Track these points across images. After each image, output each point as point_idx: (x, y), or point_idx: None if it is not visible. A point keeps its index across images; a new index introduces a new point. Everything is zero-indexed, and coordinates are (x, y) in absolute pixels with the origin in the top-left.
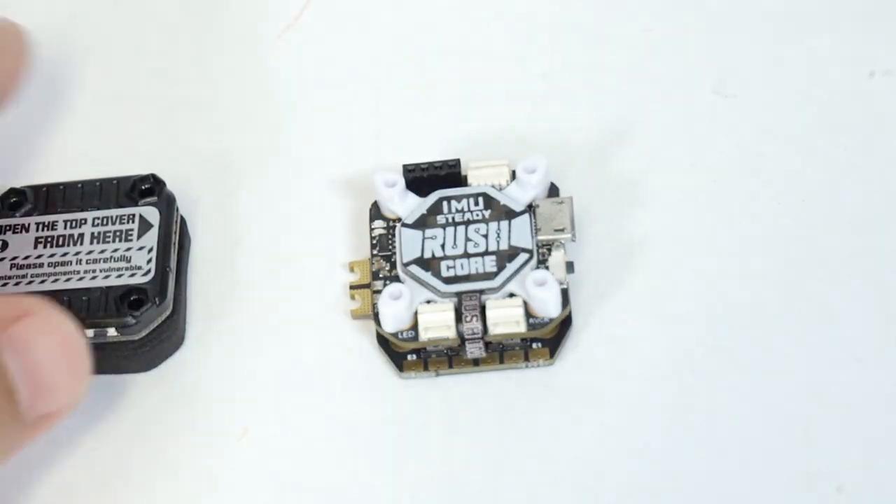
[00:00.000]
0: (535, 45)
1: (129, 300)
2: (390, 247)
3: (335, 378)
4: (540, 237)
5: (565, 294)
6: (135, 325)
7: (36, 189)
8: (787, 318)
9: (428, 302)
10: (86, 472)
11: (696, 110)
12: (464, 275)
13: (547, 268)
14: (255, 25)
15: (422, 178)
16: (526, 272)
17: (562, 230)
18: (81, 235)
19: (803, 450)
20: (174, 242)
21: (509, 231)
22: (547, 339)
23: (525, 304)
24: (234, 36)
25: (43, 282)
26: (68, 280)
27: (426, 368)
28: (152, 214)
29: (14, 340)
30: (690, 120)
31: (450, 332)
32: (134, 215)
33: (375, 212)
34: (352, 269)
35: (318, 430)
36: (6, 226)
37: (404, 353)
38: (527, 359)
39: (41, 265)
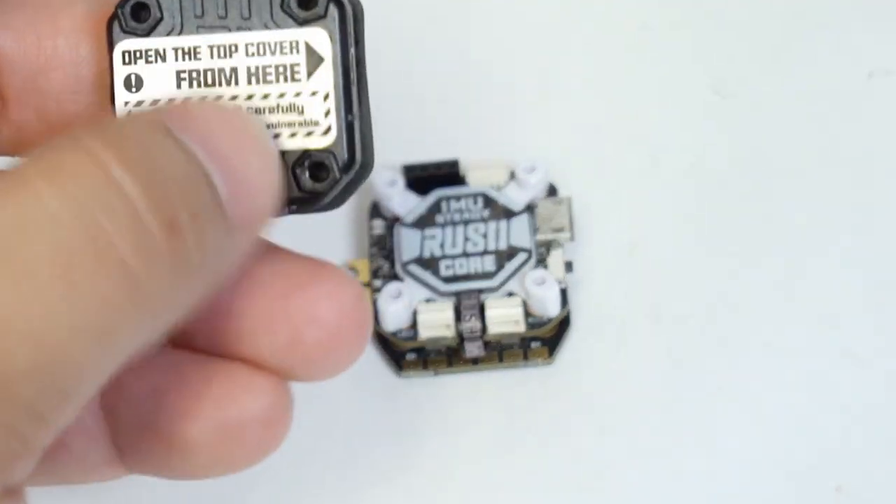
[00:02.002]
0: (534, 45)
1: (311, 170)
2: (389, 246)
3: (334, 377)
4: (539, 237)
5: (564, 293)
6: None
7: None
8: (786, 318)
9: (427, 301)
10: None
11: (696, 110)
12: (463, 274)
13: (546, 267)
14: None
15: (421, 178)
16: (525, 272)
17: (560, 230)
18: (234, 70)
19: (803, 449)
20: (354, 77)
21: (508, 231)
22: (546, 338)
23: (524, 303)
24: None
25: None
26: None
27: (425, 367)
28: (321, 40)
29: (188, 126)
30: (690, 120)
31: (449, 332)
32: (298, 42)
33: (375, 211)
34: (351, 268)
35: (317, 430)
36: (137, 51)
37: (403, 352)
38: (526, 358)
39: None
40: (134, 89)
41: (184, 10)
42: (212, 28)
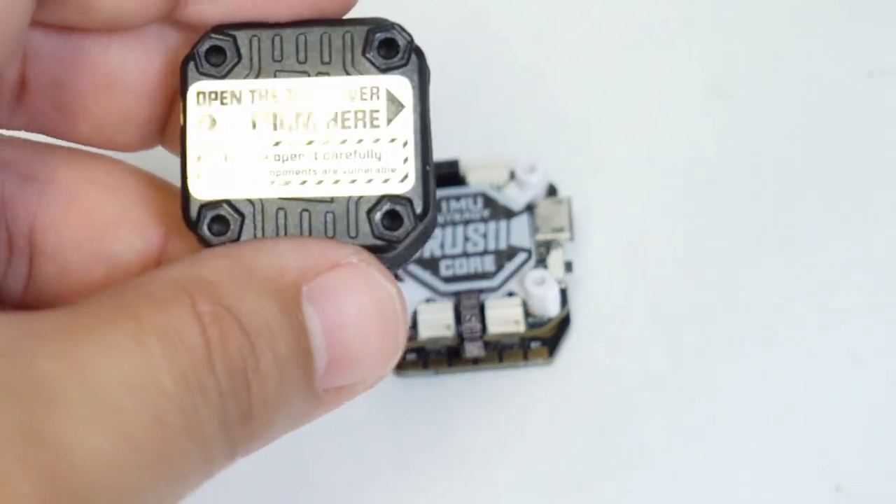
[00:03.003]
0: (533, 45)
1: (386, 217)
2: None
3: None
4: (539, 237)
5: (564, 293)
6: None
7: (238, 33)
8: (785, 318)
9: (427, 301)
10: None
11: (695, 110)
12: (463, 274)
13: (546, 267)
14: None
15: None
16: (525, 272)
17: (560, 230)
18: (311, 115)
19: (803, 449)
20: (429, 128)
21: (508, 231)
22: (546, 338)
23: (524, 303)
24: None
25: (272, 183)
26: (304, 184)
27: (426, 367)
28: (403, 88)
29: (320, 295)
30: (689, 119)
31: (449, 332)
32: (379, 89)
33: None
34: None
35: (317, 430)
36: (212, 93)
37: (404, 352)
38: (526, 358)
39: (265, 156)
40: (208, 130)
41: (262, 53)
42: (290, 72)
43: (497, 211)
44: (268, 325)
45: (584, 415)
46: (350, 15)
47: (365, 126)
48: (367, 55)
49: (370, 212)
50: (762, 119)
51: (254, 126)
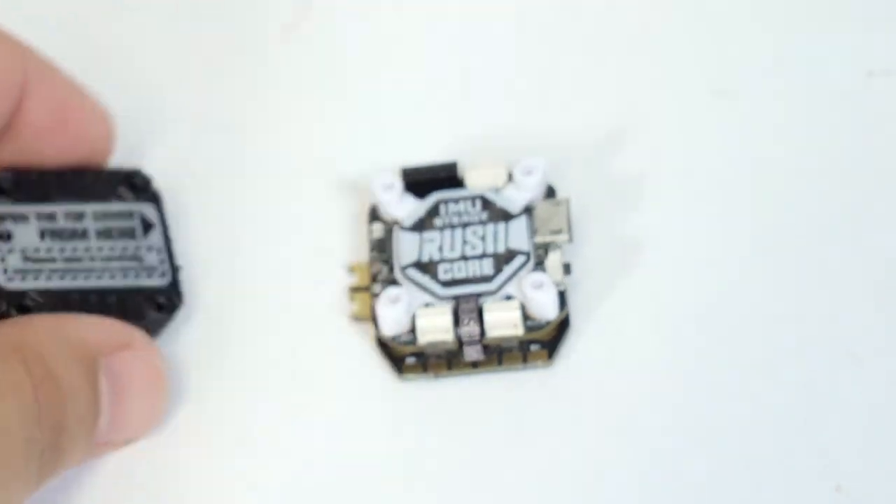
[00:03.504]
0: (533, 46)
1: (152, 303)
2: (388, 250)
3: (334, 380)
4: (537, 239)
5: (563, 296)
6: (153, 329)
7: (19, 174)
8: (786, 318)
9: (426, 305)
10: (83, 471)
11: (695, 110)
12: (461, 278)
13: (544, 270)
14: (256, 27)
15: (420, 181)
16: (523, 274)
17: (559, 232)
18: (85, 230)
19: (803, 449)
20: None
21: (506, 233)
22: (545, 341)
23: (523, 306)
24: (234, 37)
25: (62, 277)
26: (86, 278)
27: (425, 371)
28: (151, 212)
29: (112, 368)
30: (689, 120)
31: (448, 336)
32: (132, 213)
33: (373, 215)
34: (351, 272)
35: (317, 433)
36: (6, 214)
37: (403, 356)
38: (525, 361)
39: (53, 259)
40: (5, 241)
41: (46, 186)
42: (65, 201)
43: (495, 213)
44: (75, 387)
45: (584, 416)
46: None
47: (128, 238)
48: (122, 190)
49: (146, 300)
50: (762, 119)
51: (41, 238)
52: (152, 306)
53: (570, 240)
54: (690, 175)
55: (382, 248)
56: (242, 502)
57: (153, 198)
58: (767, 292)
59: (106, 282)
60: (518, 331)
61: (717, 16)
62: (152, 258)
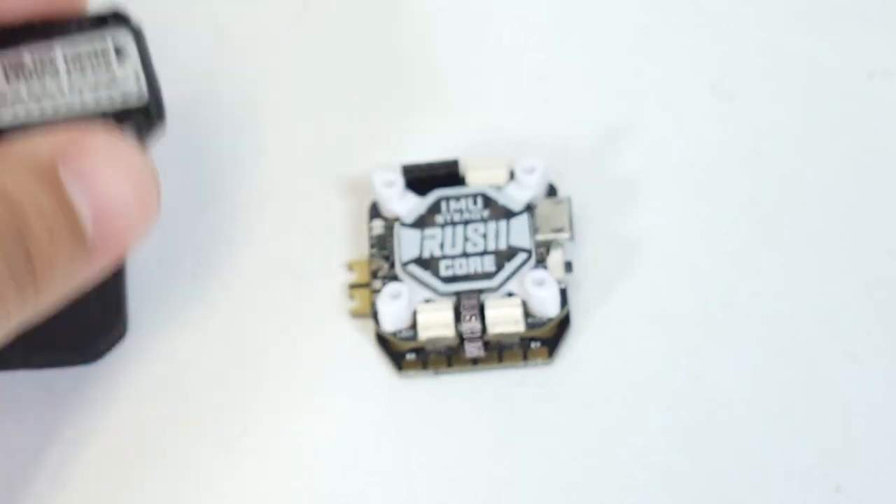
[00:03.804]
0: (534, 45)
1: (130, 121)
2: (389, 246)
3: (334, 377)
4: (538, 237)
5: (564, 294)
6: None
7: None
8: (785, 318)
9: (427, 301)
10: (87, 469)
11: (695, 110)
12: (462, 274)
13: (545, 267)
14: (255, 26)
15: (421, 178)
16: (524, 272)
17: (560, 230)
18: (55, 65)
19: (803, 449)
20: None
21: (508, 231)
22: (546, 338)
23: (524, 303)
24: (233, 36)
25: (30, 115)
26: (56, 112)
27: (425, 367)
28: (127, 42)
29: (77, 168)
30: (689, 120)
31: (449, 332)
32: (106, 44)
33: (374, 211)
34: (350, 269)
35: (317, 430)
36: None
37: (403, 352)
38: (525, 358)
39: (22, 99)
40: None
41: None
42: (30, 42)
43: (497, 211)
44: (30, 193)
45: (584, 415)
46: None
47: (101, 68)
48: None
49: (117, 118)
50: (762, 119)
51: (7, 80)
52: (132, 126)
53: (572, 238)
54: (691, 175)
55: (383, 245)
56: (243, 499)
57: (137, 33)
58: (767, 292)
59: (78, 111)
60: (519, 328)
61: (718, 16)
62: (129, 84)
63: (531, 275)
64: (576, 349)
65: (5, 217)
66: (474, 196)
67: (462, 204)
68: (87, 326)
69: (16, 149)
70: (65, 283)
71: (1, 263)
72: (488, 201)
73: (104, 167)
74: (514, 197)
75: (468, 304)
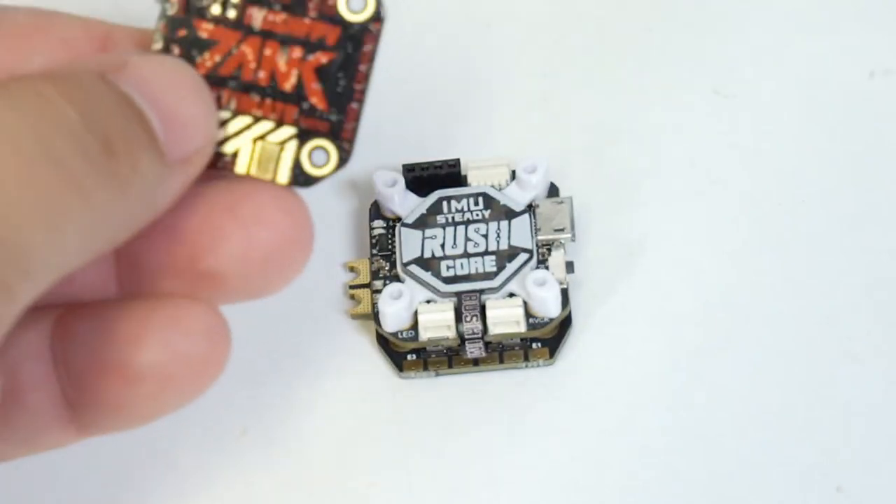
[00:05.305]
0: (535, 45)
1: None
2: (390, 246)
3: (335, 378)
4: (540, 237)
5: (565, 294)
6: None
7: None
8: (786, 318)
9: (428, 302)
10: (84, 471)
11: (696, 110)
12: (464, 274)
13: (547, 268)
14: None
15: (422, 178)
16: (526, 272)
17: (561, 230)
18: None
19: (803, 449)
20: None
21: (509, 231)
22: (547, 338)
23: (525, 303)
24: None
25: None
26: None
27: (426, 368)
28: None
29: (127, 76)
30: (690, 120)
31: (450, 332)
32: None
33: (375, 211)
34: (351, 269)
35: (317, 430)
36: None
37: (404, 353)
38: (527, 359)
39: None
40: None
41: None
42: None
43: (498, 211)
44: (95, 92)
45: (584, 415)
46: None
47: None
48: None
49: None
50: (764, 119)
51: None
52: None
53: (573, 238)
54: (692, 175)
55: (384, 245)
56: (242, 499)
57: None
58: (767, 291)
59: None
60: (520, 328)
61: (719, 16)
62: None
63: (532, 275)
64: (577, 349)
65: (73, 112)
66: (475, 196)
67: (463, 204)
68: None
69: (67, 64)
70: (147, 185)
71: (77, 154)
72: (489, 201)
73: (159, 76)
74: (516, 197)
75: (469, 305)
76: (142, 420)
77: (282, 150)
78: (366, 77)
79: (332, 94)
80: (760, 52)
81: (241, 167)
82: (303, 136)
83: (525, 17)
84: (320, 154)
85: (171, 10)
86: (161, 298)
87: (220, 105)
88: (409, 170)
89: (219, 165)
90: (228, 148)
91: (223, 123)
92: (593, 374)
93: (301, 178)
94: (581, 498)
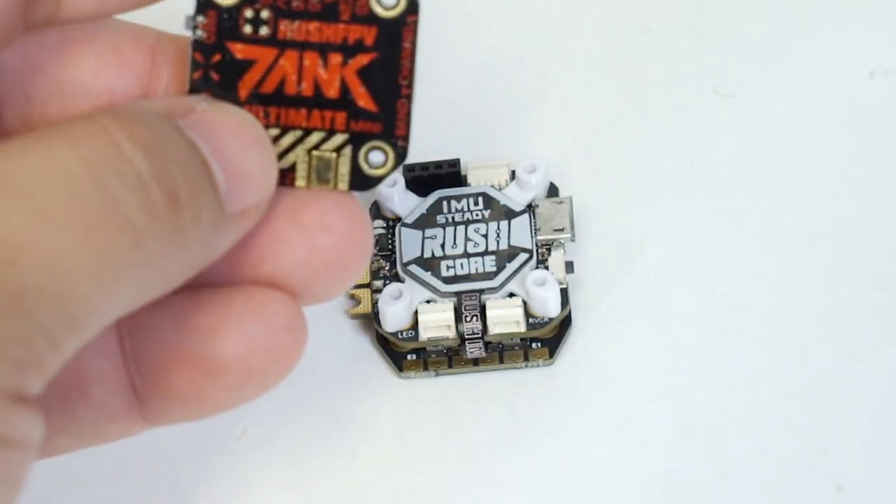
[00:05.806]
0: (535, 45)
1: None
2: (390, 246)
3: (335, 378)
4: (539, 237)
5: (565, 294)
6: None
7: None
8: (786, 318)
9: (428, 302)
10: (84, 471)
11: (696, 110)
12: (464, 274)
13: (546, 268)
14: None
15: (422, 178)
16: (525, 272)
17: (561, 230)
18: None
19: (803, 449)
20: None
21: (509, 231)
22: (546, 338)
23: (525, 303)
24: None
25: None
26: None
27: (426, 368)
28: None
29: (195, 125)
30: (690, 120)
31: (450, 332)
32: None
33: (375, 211)
34: None
35: (317, 430)
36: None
37: (404, 353)
38: (526, 359)
39: None
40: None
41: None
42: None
43: (498, 211)
44: (162, 137)
45: (583, 415)
46: None
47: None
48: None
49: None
50: (763, 119)
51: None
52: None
53: (573, 238)
54: (692, 175)
55: (384, 245)
56: (242, 498)
57: None
58: (768, 292)
59: None
60: (520, 328)
61: (719, 16)
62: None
63: (532, 275)
64: (576, 349)
65: (142, 160)
66: (475, 196)
67: (463, 204)
68: None
69: (136, 104)
70: (205, 237)
71: (141, 205)
72: (489, 201)
73: (227, 126)
74: (515, 197)
75: (469, 305)
76: (215, 411)
77: (338, 157)
78: (410, 71)
79: (378, 94)
80: (760, 52)
81: (300, 180)
82: (356, 140)
83: (525, 17)
84: (377, 155)
85: (202, 37)
86: (238, 288)
87: (268, 123)
88: (409, 170)
89: (278, 183)
90: (284, 163)
91: (275, 140)
92: (593, 374)
93: (361, 181)
94: (581, 498)
